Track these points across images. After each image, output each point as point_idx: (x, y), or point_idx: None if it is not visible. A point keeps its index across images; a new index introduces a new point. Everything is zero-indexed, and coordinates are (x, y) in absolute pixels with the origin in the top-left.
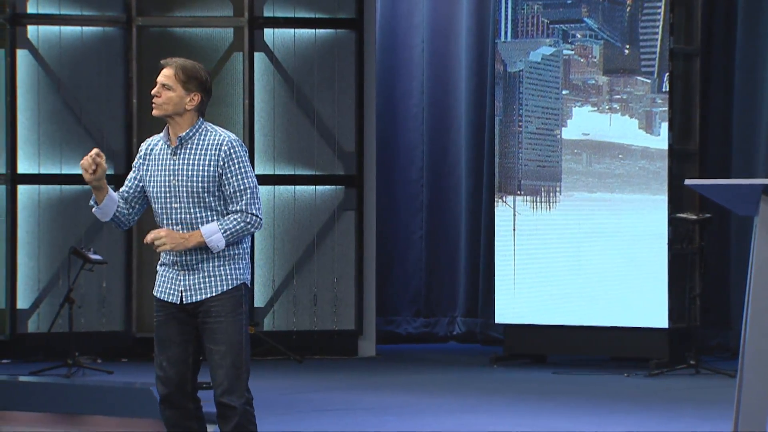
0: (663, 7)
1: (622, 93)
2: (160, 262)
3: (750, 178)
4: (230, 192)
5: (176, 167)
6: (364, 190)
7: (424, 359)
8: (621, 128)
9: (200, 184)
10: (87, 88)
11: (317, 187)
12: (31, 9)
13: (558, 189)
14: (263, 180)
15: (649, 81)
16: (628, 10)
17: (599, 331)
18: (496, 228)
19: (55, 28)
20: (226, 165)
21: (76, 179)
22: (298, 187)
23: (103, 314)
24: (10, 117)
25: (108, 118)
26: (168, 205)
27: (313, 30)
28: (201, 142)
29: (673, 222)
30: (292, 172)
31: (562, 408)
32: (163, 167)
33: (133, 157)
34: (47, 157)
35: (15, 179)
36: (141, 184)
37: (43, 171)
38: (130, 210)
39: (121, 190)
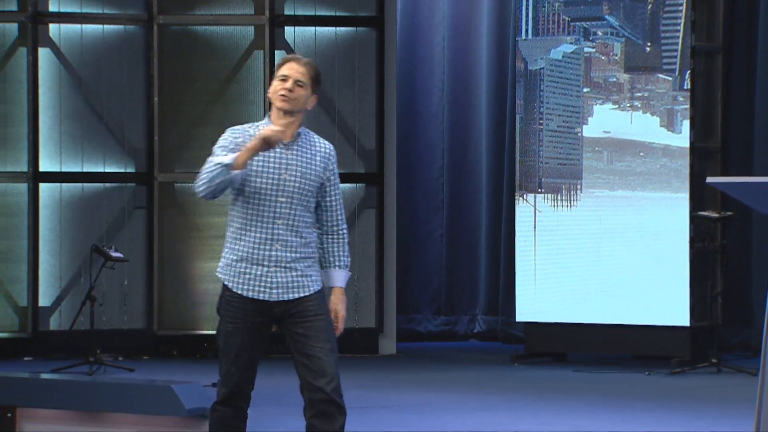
0: (684, 4)
1: (643, 91)
2: (238, 257)
3: None
4: (330, 200)
5: (289, 162)
6: (385, 188)
7: (445, 357)
8: (642, 126)
9: (310, 184)
10: (108, 87)
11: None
12: (52, 7)
13: (579, 187)
14: None
15: (670, 78)
16: (649, 7)
17: (620, 329)
18: (517, 226)
19: (77, 26)
20: (332, 173)
21: (98, 177)
22: None
23: (124, 312)
24: (31, 115)
25: (129, 116)
26: (275, 199)
27: (334, 28)
28: (309, 143)
29: (694, 220)
30: None
31: (582, 406)
32: (274, 160)
33: (154, 154)
34: (69, 155)
35: (37, 177)
36: None
37: (64, 169)
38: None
39: None
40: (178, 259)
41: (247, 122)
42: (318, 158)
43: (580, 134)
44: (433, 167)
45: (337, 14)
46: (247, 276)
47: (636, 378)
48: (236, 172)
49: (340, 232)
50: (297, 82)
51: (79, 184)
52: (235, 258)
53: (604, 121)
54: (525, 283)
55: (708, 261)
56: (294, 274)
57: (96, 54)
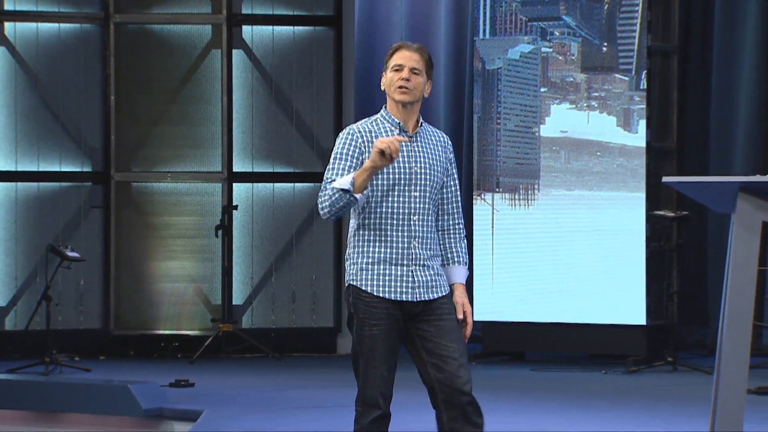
0: (641, 4)
1: (600, 90)
2: (374, 260)
3: (727, 176)
4: (451, 192)
5: (416, 154)
6: None
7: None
8: (599, 126)
9: (438, 175)
10: (64, 85)
11: (296, 184)
12: (8, 6)
13: (536, 186)
14: (242, 177)
15: (627, 78)
16: (606, 7)
17: (577, 328)
18: (475, 225)
19: (33, 24)
20: (451, 164)
21: (54, 176)
22: (276, 185)
23: (80, 312)
24: None
25: (85, 115)
26: (409, 193)
27: (292, 27)
28: (428, 133)
29: (650, 219)
30: (271, 170)
31: (540, 405)
32: (402, 153)
33: (111, 154)
34: (24, 154)
35: None
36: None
37: (20, 168)
38: None
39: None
40: (135, 259)
41: (205, 124)
42: (439, 148)
43: (537, 134)
44: None
45: (295, 13)
46: (387, 278)
47: (593, 377)
48: (358, 195)
49: (458, 226)
50: (413, 71)
51: (35, 184)
52: (370, 261)
53: (561, 120)
54: (482, 282)
55: (664, 260)
56: (432, 272)
57: (52, 53)
